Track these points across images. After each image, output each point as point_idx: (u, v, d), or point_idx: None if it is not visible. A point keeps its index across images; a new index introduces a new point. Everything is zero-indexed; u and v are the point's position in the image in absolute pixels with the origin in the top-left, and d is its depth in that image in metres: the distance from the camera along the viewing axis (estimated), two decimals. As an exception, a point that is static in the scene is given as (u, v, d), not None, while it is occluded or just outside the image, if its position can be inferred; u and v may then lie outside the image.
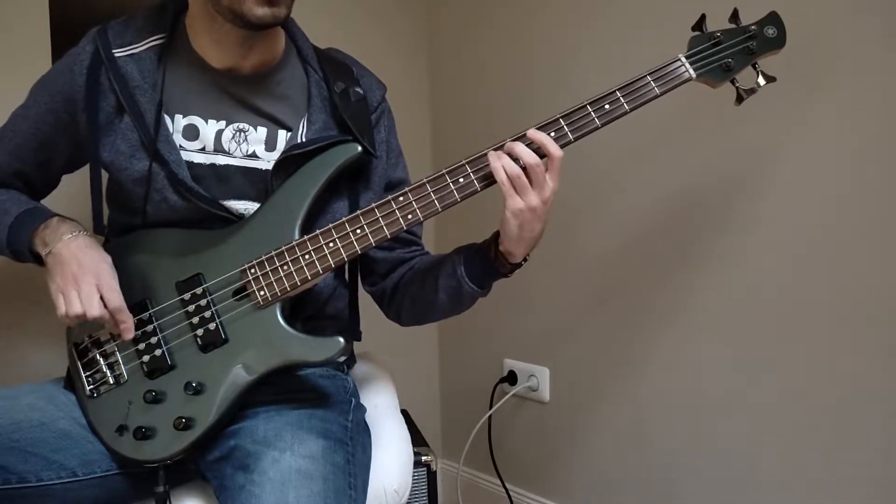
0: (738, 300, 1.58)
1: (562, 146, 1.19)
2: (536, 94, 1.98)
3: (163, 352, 1.24)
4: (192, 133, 1.29)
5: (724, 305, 1.61)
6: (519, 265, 1.28)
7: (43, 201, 1.40)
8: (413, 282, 1.39)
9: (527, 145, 1.18)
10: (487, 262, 1.28)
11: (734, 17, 1.24)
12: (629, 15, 1.72)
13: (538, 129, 1.20)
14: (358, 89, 1.35)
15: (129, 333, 1.22)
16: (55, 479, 1.19)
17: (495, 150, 1.20)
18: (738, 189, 1.56)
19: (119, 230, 1.34)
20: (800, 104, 1.45)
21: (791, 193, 1.48)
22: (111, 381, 1.25)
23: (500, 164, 1.18)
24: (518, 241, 1.22)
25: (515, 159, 1.18)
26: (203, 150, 1.29)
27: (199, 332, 1.23)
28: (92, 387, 1.26)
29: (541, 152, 1.18)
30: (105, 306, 1.21)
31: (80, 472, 1.22)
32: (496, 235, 1.27)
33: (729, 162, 1.58)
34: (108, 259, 1.25)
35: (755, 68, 1.24)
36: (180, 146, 1.28)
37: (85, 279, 1.20)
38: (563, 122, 1.19)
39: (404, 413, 1.60)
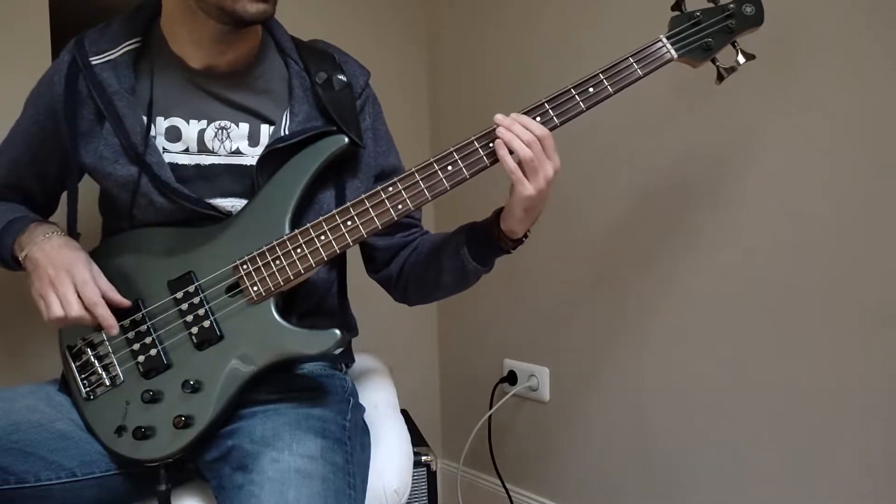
0: (736, 297, 1.58)
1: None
2: (537, 87, 1.97)
3: (158, 351, 1.23)
4: (174, 135, 1.29)
5: (723, 303, 1.61)
6: (521, 241, 1.29)
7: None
8: (417, 264, 1.40)
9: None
10: (490, 240, 1.29)
11: None
12: (631, 6, 1.72)
13: (523, 113, 1.21)
14: (341, 77, 1.35)
15: (112, 330, 1.21)
16: (54, 480, 1.19)
17: (479, 137, 1.21)
18: (734, 176, 1.56)
19: (110, 235, 1.35)
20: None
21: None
22: (107, 383, 1.25)
23: (504, 151, 1.19)
24: (521, 221, 1.24)
25: (522, 138, 1.18)
26: (187, 150, 1.29)
27: (194, 330, 1.23)
28: (88, 389, 1.26)
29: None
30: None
31: (79, 472, 1.22)
32: (497, 214, 1.28)
33: (725, 150, 1.58)
34: (83, 255, 1.26)
35: (734, 46, 1.24)
36: (163, 148, 1.28)
37: (60, 280, 1.21)
38: (548, 107, 1.20)
39: (404, 413, 1.60)
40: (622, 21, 1.75)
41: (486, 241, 1.30)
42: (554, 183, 1.21)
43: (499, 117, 1.20)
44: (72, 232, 1.32)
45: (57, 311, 1.20)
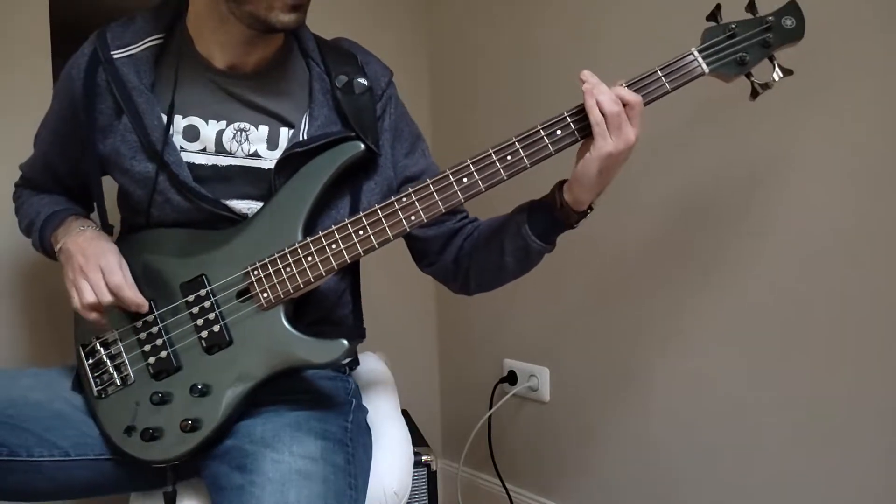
0: (741, 304, 1.57)
1: (569, 144, 1.18)
2: (539, 91, 1.97)
3: (168, 353, 1.23)
4: (192, 134, 1.28)
5: (728, 308, 1.60)
6: (584, 215, 1.25)
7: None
8: (475, 251, 1.37)
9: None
10: (552, 214, 1.25)
11: (751, 6, 1.18)
12: (636, 5, 1.70)
13: (543, 125, 1.18)
14: (362, 80, 1.34)
15: (143, 308, 1.23)
16: (46, 456, 1.20)
17: (497, 149, 1.18)
18: (745, 193, 1.55)
19: (128, 232, 1.36)
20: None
21: (803, 199, 1.46)
22: (118, 383, 1.25)
23: (594, 101, 1.14)
24: (591, 188, 1.19)
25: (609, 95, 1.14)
26: (204, 150, 1.29)
27: (204, 333, 1.22)
28: (99, 387, 1.26)
29: None
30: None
31: (73, 452, 1.23)
32: (560, 185, 1.24)
33: (739, 165, 1.56)
34: (114, 248, 1.28)
35: (772, 61, 1.19)
36: (181, 147, 1.28)
37: (91, 268, 1.23)
38: (569, 119, 1.17)
39: (404, 413, 1.60)
40: (627, 19, 1.73)
41: (550, 216, 1.26)
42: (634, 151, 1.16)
43: (586, 73, 1.16)
44: (104, 226, 1.33)
45: (88, 297, 1.22)
